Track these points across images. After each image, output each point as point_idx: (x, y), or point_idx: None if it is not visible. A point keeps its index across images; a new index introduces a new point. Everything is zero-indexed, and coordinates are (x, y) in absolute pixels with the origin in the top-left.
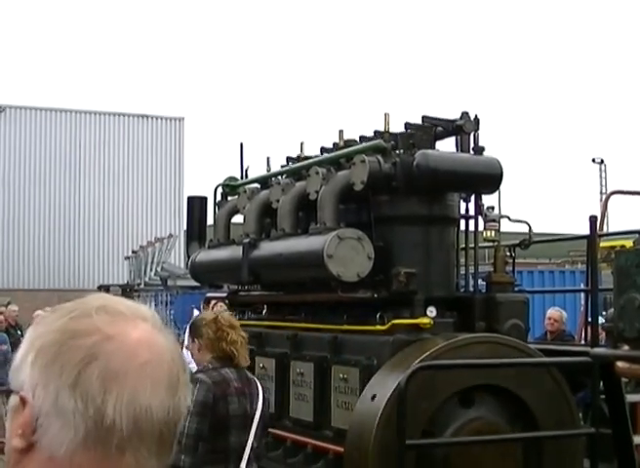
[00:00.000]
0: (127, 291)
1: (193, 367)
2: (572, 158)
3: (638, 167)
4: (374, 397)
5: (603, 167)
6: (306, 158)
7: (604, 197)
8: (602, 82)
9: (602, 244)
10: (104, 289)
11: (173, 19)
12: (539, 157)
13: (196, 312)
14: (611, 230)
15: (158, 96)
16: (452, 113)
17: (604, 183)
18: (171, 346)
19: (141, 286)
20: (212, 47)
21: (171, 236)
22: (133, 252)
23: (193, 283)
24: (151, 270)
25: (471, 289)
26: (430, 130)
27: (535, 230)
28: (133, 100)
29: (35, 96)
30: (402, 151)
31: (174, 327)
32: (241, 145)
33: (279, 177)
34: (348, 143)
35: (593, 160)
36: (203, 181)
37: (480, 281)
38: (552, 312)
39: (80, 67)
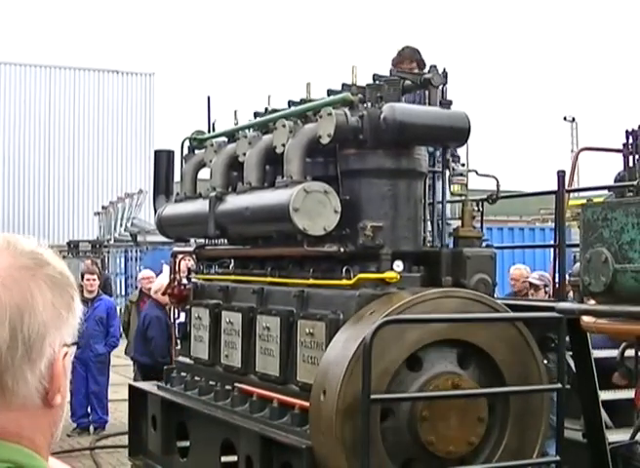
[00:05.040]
0: (96, 246)
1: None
2: (543, 116)
3: (609, 125)
4: (339, 351)
5: (574, 125)
6: (274, 111)
7: (574, 153)
8: (575, 41)
9: (573, 202)
10: (74, 245)
11: None
12: (510, 115)
13: (166, 267)
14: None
15: (129, 51)
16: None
17: (575, 142)
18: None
19: (111, 241)
20: (181, 1)
21: (141, 192)
22: (102, 207)
23: (163, 238)
24: (121, 226)
25: (438, 243)
26: (398, 83)
27: (505, 187)
28: (103, 56)
29: (1, 51)
30: (369, 104)
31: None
32: (208, 99)
33: (246, 131)
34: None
35: (565, 118)
36: (173, 137)
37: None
38: (512, 272)
39: (50, 22)
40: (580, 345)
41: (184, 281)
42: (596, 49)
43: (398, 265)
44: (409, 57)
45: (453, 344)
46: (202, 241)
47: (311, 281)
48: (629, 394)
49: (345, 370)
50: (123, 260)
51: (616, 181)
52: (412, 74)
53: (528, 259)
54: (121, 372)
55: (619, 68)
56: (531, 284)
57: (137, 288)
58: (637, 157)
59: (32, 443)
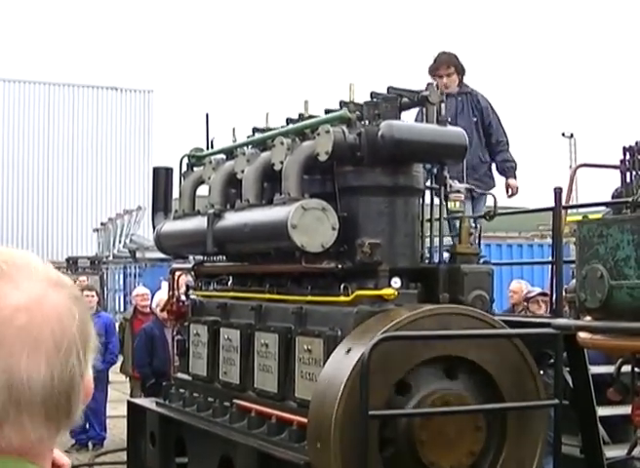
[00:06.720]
0: (95, 263)
1: None
2: (541, 132)
3: (608, 141)
4: (337, 368)
5: (573, 141)
6: (272, 129)
7: (571, 170)
8: (574, 57)
9: (571, 218)
10: (73, 261)
11: None
12: (508, 131)
13: (164, 284)
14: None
15: (127, 68)
16: (418, 84)
17: (573, 158)
18: (65, 306)
19: (110, 258)
20: (180, 18)
21: (139, 208)
22: (101, 224)
23: (162, 255)
24: (120, 242)
25: (436, 260)
26: (396, 100)
27: (503, 203)
28: (102, 73)
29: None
30: (367, 122)
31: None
32: (207, 116)
33: (244, 148)
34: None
35: (563, 134)
36: (172, 153)
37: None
38: (512, 285)
39: (49, 39)
40: (577, 361)
41: (183, 298)
42: (595, 65)
43: (396, 282)
44: (445, 62)
45: (450, 361)
46: (200, 258)
47: (309, 297)
48: (626, 410)
49: (344, 386)
50: (122, 277)
51: (613, 198)
52: (409, 91)
53: (527, 275)
54: (119, 389)
55: (617, 85)
56: (531, 298)
57: (131, 304)
58: (634, 173)
59: (46, 460)
